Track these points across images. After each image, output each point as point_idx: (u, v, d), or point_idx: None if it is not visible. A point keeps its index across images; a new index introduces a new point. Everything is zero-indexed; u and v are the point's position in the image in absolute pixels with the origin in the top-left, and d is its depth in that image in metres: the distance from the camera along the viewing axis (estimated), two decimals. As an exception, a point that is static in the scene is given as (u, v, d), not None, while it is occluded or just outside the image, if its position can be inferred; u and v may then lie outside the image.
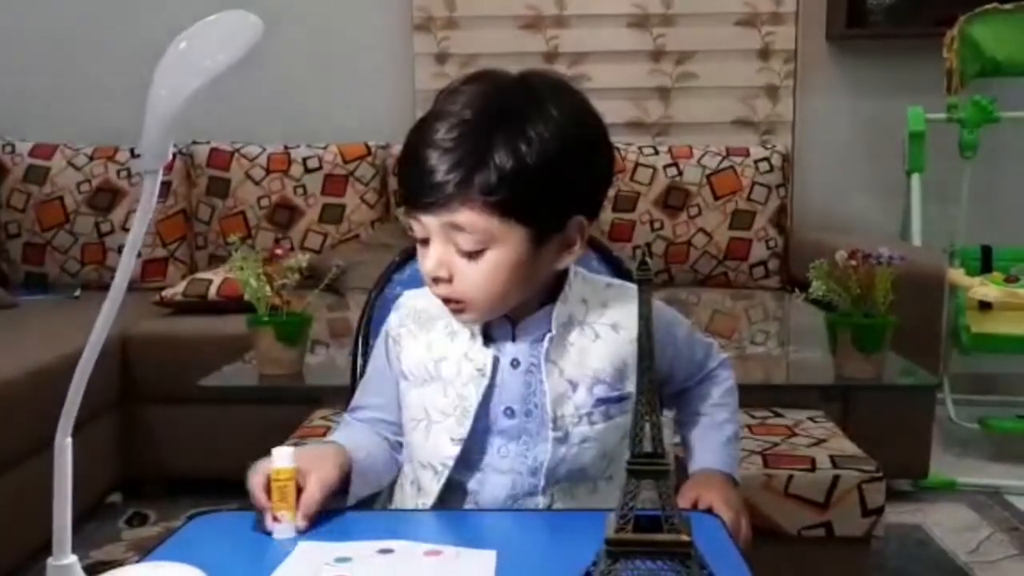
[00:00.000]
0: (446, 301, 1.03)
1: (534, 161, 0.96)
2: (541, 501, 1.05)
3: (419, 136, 0.99)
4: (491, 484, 1.05)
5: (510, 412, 1.04)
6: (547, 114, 0.98)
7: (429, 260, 1.00)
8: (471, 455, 1.05)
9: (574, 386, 1.03)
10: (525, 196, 0.96)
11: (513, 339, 1.05)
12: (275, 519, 0.94)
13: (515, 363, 1.04)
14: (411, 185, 0.99)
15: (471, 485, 1.06)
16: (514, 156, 0.95)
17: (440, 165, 0.95)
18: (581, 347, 1.05)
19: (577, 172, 1.00)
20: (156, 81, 0.72)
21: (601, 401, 1.04)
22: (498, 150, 0.95)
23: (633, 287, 1.11)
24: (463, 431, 1.04)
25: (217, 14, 0.76)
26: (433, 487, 1.06)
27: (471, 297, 1.01)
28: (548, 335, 1.03)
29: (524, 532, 1.02)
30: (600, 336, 1.06)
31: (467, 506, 1.07)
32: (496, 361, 1.04)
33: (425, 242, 1.01)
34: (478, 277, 0.99)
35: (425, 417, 1.07)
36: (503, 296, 1.01)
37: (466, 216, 0.96)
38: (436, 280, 1.01)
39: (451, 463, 1.05)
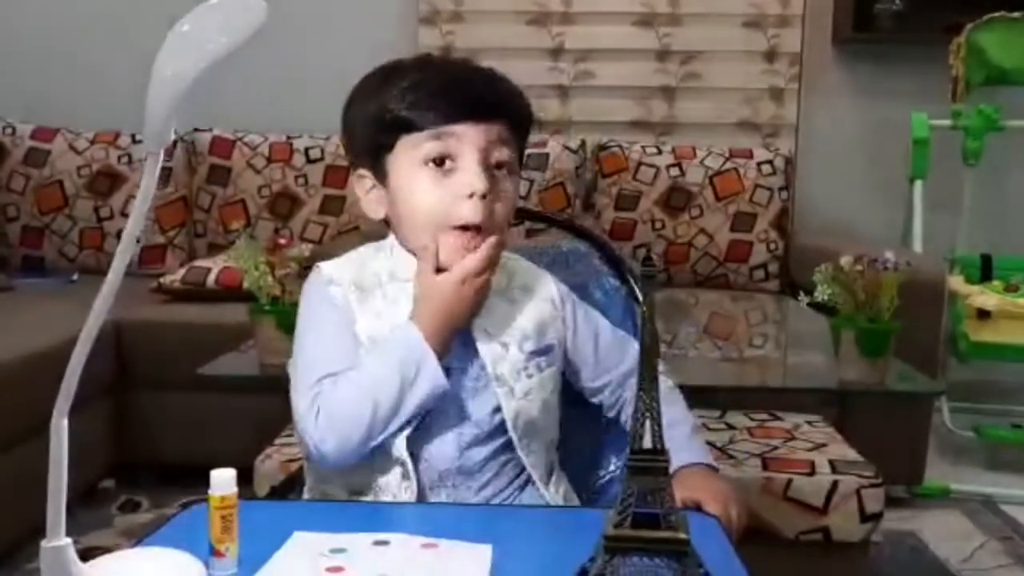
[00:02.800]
0: (475, 231, 1.06)
1: (530, 108, 1.13)
2: (521, 455, 1.10)
3: (428, 75, 1.08)
4: (437, 443, 1.09)
5: (446, 372, 1.07)
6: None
7: (477, 177, 1.04)
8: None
9: (506, 346, 1.11)
10: (527, 133, 1.12)
11: None
12: (218, 553, 0.85)
13: None
14: (457, 101, 1.05)
15: (417, 446, 1.08)
16: (524, 98, 1.12)
17: (491, 85, 1.08)
18: (503, 311, 1.13)
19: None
20: (158, 64, 0.71)
21: (532, 354, 1.12)
22: (515, 89, 1.11)
23: (521, 259, 1.19)
24: None
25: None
26: (402, 445, 1.06)
27: (498, 222, 1.07)
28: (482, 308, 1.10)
29: (519, 527, 1.02)
30: (516, 300, 1.14)
31: (420, 465, 1.08)
32: None
33: (441, 165, 1.05)
34: (509, 197, 1.09)
35: None
36: (506, 229, 1.11)
37: (507, 132, 1.07)
38: (483, 196, 1.04)
39: (415, 421, 1.06)
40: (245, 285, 1.90)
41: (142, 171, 2.82)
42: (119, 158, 3.19)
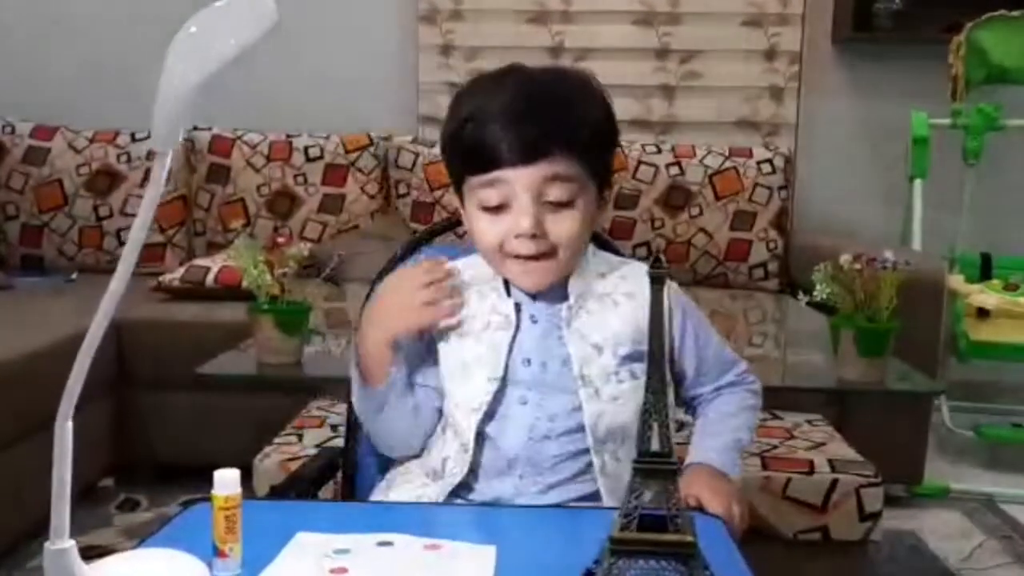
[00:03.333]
0: (532, 258, 1.10)
1: (603, 123, 1.13)
2: (595, 461, 1.09)
3: (489, 107, 1.09)
4: (510, 430, 1.11)
5: (528, 362, 1.12)
6: (596, 89, 1.14)
7: (525, 218, 1.08)
8: (492, 403, 1.11)
9: (599, 350, 1.11)
10: (600, 151, 1.13)
11: (533, 300, 1.15)
12: (221, 554, 0.85)
13: (534, 319, 1.14)
14: (505, 146, 1.07)
15: (491, 431, 1.11)
16: (592, 116, 1.12)
17: (537, 123, 1.07)
18: (601, 314, 1.13)
19: (616, 139, 1.17)
20: (168, 65, 0.71)
21: (625, 359, 1.11)
22: (580, 110, 1.11)
23: (644, 265, 1.17)
24: (498, 372, 1.11)
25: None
26: (471, 423, 1.11)
27: (563, 245, 1.10)
28: (567, 304, 1.12)
29: (523, 528, 1.02)
30: (618, 304, 1.14)
31: (490, 451, 1.11)
32: (519, 309, 1.13)
33: (498, 210, 1.10)
34: (568, 225, 1.10)
35: (463, 366, 1.13)
36: (579, 250, 1.13)
37: (564, 166, 1.08)
38: (533, 236, 1.08)
39: (489, 398, 1.10)
40: (244, 284, 1.89)
41: (142, 170, 2.82)
42: (118, 157, 3.18)
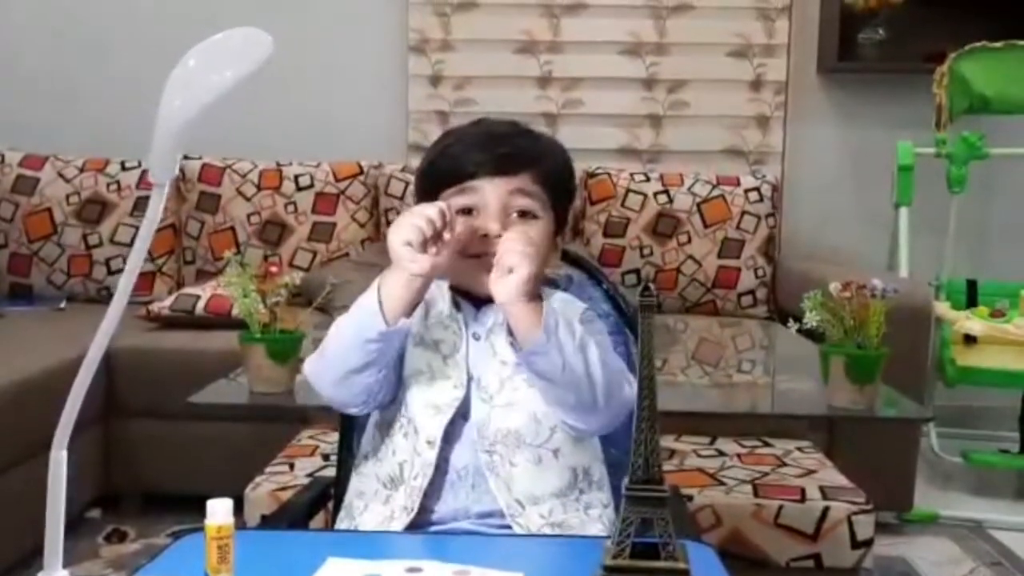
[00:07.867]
0: (493, 257, 1.15)
1: (564, 168, 1.27)
2: (483, 458, 1.14)
3: (467, 136, 1.24)
4: (459, 440, 1.16)
5: (471, 379, 1.18)
6: (560, 144, 1.30)
7: (493, 222, 1.18)
8: (458, 406, 1.16)
9: (504, 364, 1.18)
10: (562, 186, 1.25)
11: (476, 318, 1.21)
12: None
13: (476, 336, 1.20)
14: (480, 160, 1.20)
15: (445, 445, 1.16)
16: (559, 155, 1.27)
17: (509, 146, 1.21)
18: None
19: (573, 195, 1.31)
20: (166, 96, 0.72)
21: (520, 365, 1.15)
22: (546, 146, 1.27)
23: (571, 297, 1.24)
24: (463, 379, 1.18)
25: (225, 32, 0.76)
26: (437, 425, 1.15)
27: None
28: (496, 322, 1.19)
29: (552, 555, 1.03)
30: None
31: (442, 464, 1.15)
32: (466, 325, 1.20)
33: (467, 213, 1.19)
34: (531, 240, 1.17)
35: (428, 371, 1.19)
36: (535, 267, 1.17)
37: (531, 184, 1.20)
38: (498, 237, 1.16)
39: (456, 404, 1.16)
40: (235, 312, 1.90)
41: (132, 199, 2.83)
42: (108, 185, 3.18)
